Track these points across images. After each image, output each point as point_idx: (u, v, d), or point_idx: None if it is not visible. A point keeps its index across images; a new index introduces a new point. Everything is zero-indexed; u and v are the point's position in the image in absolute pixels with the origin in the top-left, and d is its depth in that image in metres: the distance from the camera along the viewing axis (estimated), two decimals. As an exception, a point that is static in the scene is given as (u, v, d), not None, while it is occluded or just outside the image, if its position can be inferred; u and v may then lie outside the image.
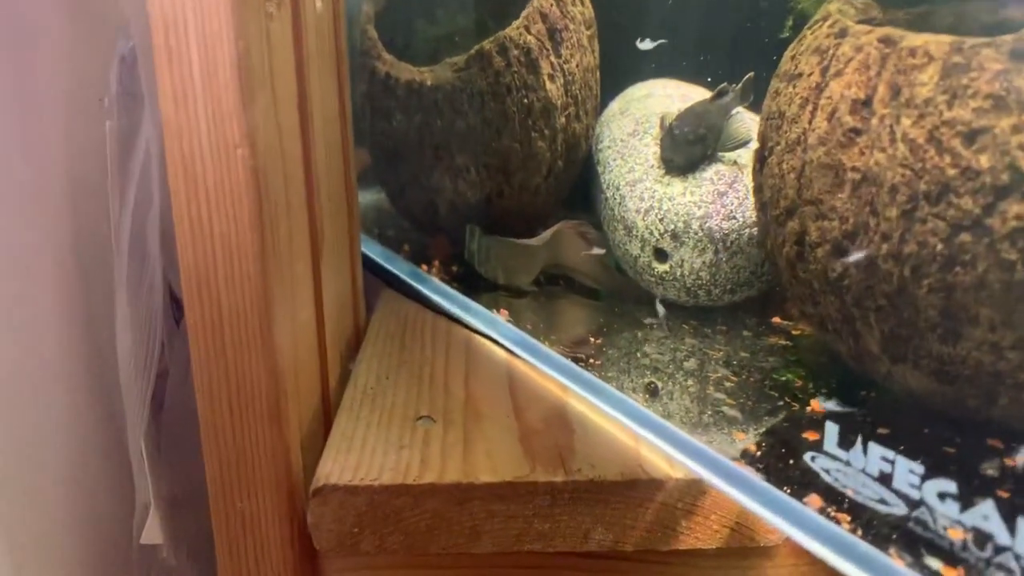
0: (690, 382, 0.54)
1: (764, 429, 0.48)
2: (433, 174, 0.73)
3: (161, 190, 0.52)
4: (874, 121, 0.42)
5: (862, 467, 0.38)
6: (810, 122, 0.46)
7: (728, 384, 0.53)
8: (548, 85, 0.66)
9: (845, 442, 0.40)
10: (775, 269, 0.53)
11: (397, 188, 0.80)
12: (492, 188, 0.69)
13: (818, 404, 0.49)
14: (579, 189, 0.73)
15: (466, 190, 0.71)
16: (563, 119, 0.68)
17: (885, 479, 0.38)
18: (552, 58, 0.66)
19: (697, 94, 0.68)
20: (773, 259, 0.53)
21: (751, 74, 0.66)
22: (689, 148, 0.61)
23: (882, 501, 0.38)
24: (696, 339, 0.59)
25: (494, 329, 0.65)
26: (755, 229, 0.60)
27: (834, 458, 0.40)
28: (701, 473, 0.47)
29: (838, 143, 0.44)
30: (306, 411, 0.54)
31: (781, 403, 0.51)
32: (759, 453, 0.46)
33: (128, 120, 0.55)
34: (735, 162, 0.62)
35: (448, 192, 0.72)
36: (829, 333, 0.49)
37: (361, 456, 0.51)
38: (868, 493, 0.38)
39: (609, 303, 0.67)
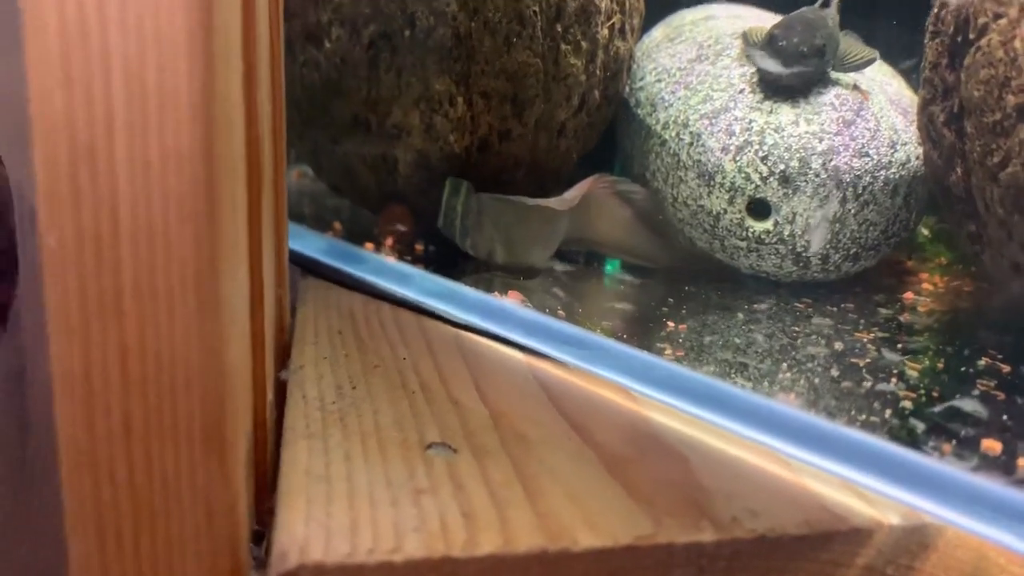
0: (834, 372, 0.37)
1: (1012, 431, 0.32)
2: (392, 112, 0.53)
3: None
4: None
5: None
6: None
7: (910, 372, 0.36)
8: (589, -25, 0.48)
9: None
10: (957, 211, 0.37)
11: (327, 144, 0.59)
12: (492, 126, 0.50)
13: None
14: (602, 142, 0.55)
15: (447, 131, 0.51)
16: (606, 31, 0.49)
17: None
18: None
19: (770, 19, 0.53)
20: (967, 195, 0.36)
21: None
22: (803, 62, 0.45)
23: None
24: (826, 318, 0.42)
25: (502, 320, 0.45)
26: (891, 171, 0.44)
27: None
28: (934, 511, 0.29)
29: None
30: (244, 435, 0.32)
31: (978, 393, 0.35)
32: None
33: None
34: (856, 86, 0.46)
35: (416, 136, 0.52)
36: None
37: (353, 510, 0.30)
38: None
39: (667, 280, 0.49)
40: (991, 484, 0.29)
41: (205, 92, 0.23)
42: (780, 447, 0.34)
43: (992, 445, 0.32)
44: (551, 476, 0.32)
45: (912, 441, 0.33)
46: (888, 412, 0.36)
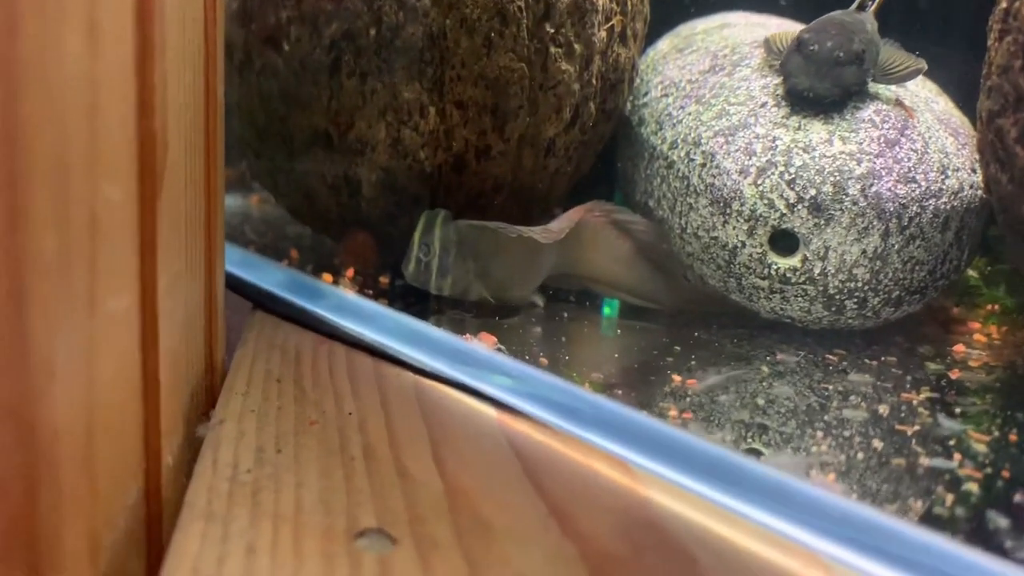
0: (876, 444, 0.30)
1: None
2: (355, 124, 0.46)
3: None
4: None
5: None
6: None
7: (976, 445, 0.29)
8: (583, -30, 0.41)
9: None
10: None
11: (284, 163, 0.51)
12: (468, 142, 0.43)
13: None
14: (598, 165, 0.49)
15: (417, 147, 0.44)
16: (604, 33, 0.43)
17: None
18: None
19: (792, 27, 0.46)
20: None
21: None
22: (838, 71, 0.39)
23: None
24: (863, 374, 0.35)
25: (472, 368, 0.38)
26: (941, 201, 0.37)
27: None
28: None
29: None
30: (107, 520, 0.24)
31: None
32: None
33: None
34: (899, 101, 0.39)
35: (381, 152, 0.45)
36: None
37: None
38: None
39: (672, 325, 0.42)
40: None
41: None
42: (818, 545, 0.27)
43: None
44: (516, 583, 0.24)
45: (986, 540, 0.26)
46: (950, 498, 0.28)
